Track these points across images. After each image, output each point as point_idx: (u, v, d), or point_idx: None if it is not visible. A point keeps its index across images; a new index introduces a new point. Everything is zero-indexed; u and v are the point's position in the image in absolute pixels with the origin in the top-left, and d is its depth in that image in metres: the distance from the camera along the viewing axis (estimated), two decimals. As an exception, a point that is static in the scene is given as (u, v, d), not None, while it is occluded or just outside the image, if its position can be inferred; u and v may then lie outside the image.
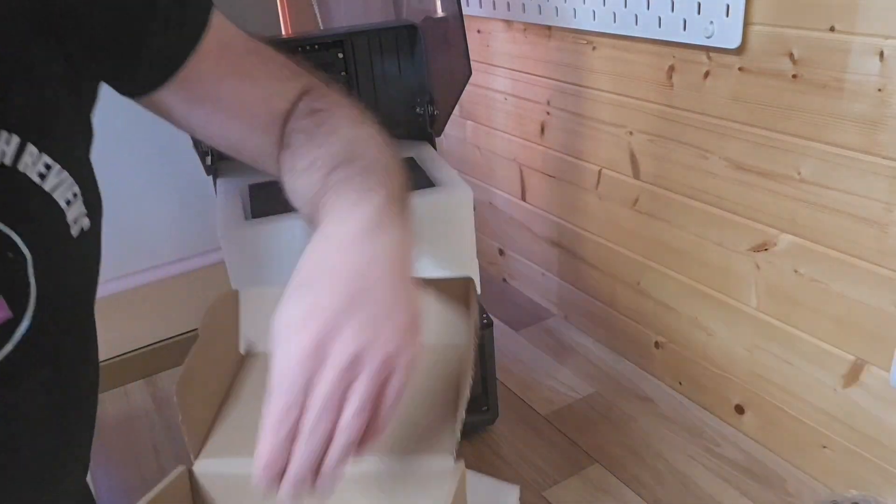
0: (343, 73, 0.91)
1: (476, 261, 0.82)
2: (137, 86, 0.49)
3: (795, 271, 0.78)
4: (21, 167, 0.40)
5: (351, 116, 0.51)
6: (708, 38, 0.78)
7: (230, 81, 0.52)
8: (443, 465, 0.48)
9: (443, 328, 0.55)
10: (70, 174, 0.42)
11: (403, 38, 0.93)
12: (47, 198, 0.41)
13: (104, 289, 1.15)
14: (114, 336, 1.14)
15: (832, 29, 0.67)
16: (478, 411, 0.91)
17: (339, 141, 0.49)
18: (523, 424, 0.95)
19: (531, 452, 0.90)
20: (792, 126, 0.74)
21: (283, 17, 1.08)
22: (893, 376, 0.71)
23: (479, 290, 0.84)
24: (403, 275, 0.39)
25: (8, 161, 0.39)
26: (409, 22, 0.94)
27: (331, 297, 0.36)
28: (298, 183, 0.48)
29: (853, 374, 0.76)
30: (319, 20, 1.08)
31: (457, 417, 0.50)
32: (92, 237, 0.46)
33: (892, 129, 0.65)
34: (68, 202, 0.42)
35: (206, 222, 1.20)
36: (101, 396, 1.15)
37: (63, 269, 0.44)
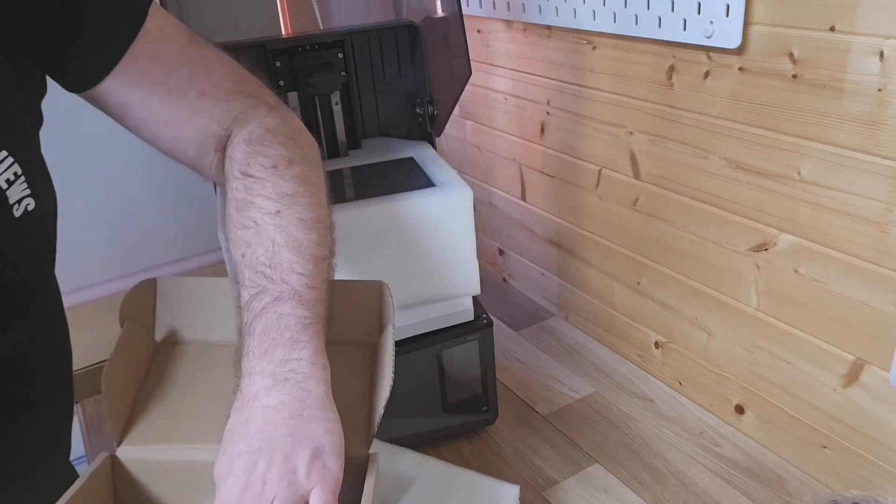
0: (343, 74, 0.91)
1: (476, 261, 0.82)
2: (74, 81, 0.50)
3: (795, 271, 0.78)
4: None
5: (279, 195, 0.50)
6: (708, 38, 0.78)
7: (159, 90, 0.52)
8: (357, 456, 0.48)
9: (352, 327, 0.56)
10: (10, 154, 0.43)
11: (404, 37, 0.93)
12: None
13: (104, 289, 1.16)
14: (114, 336, 1.13)
15: (832, 29, 0.67)
16: (478, 411, 0.91)
17: (259, 247, 0.48)
18: (523, 424, 0.95)
19: (531, 452, 0.90)
20: (792, 126, 0.74)
21: (282, 16, 1.08)
22: (894, 376, 0.71)
23: (479, 291, 0.85)
24: (305, 415, 0.43)
25: None
26: (409, 21, 0.94)
27: (244, 445, 0.43)
28: (232, 254, 0.50)
29: (853, 374, 0.76)
30: (319, 20, 1.08)
31: (373, 412, 0.50)
32: (39, 218, 0.46)
33: (893, 129, 0.65)
34: (8, 181, 0.42)
35: (206, 222, 1.20)
36: (100, 396, 1.15)
37: (2, 246, 0.44)
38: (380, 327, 0.57)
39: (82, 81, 0.50)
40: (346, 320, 0.56)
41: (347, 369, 0.53)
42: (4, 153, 0.42)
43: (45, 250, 0.50)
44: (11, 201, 0.43)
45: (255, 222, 0.49)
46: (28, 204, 0.44)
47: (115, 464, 0.49)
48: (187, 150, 0.54)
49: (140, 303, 0.58)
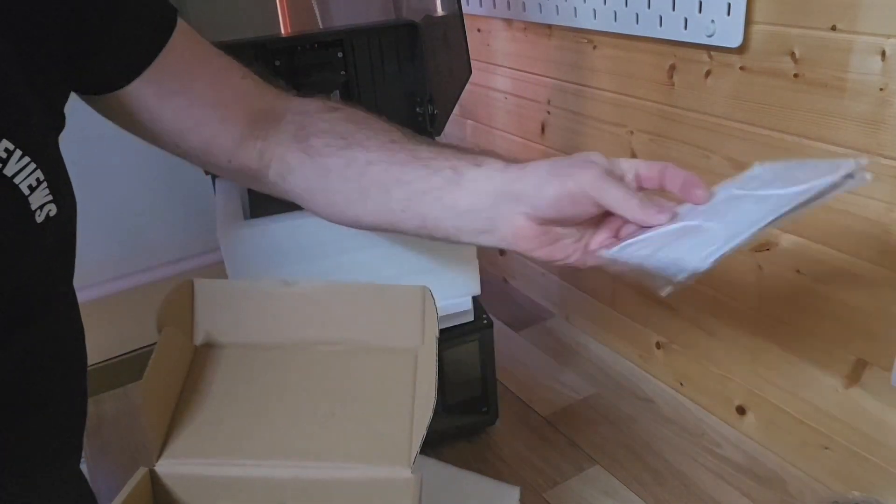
0: (343, 73, 0.90)
1: (476, 261, 0.82)
2: (106, 81, 0.50)
3: (797, 271, 0.78)
4: None
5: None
6: (709, 36, 0.77)
7: (205, 72, 0.53)
8: (399, 477, 0.47)
9: (393, 332, 0.56)
10: (33, 160, 0.42)
11: (403, 36, 0.93)
12: (7, 183, 0.41)
13: (104, 289, 1.16)
14: (114, 336, 1.13)
15: (834, 28, 0.67)
16: (478, 412, 0.91)
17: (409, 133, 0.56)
18: (523, 425, 0.95)
19: (531, 453, 0.89)
20: (793, 125, 0.74)
21: (282, 16, 1.08)
22: (895, 377, 0.71)
23: (479, 291, 0.84)
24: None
25: None
26: (409, 20, 0.93)
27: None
28: (374, 154, 0.54)
29: (854, 375, 0.75)
30: (319, 19, 1.08)
31: (412, 425, 0.50)
32: (60, 224, 0.46)
33: (894, 128, 0.65)
34: (31, 188, 0.42)
35: (206, 222, 1.20)
36: (101, 396, 1.15)
37: (23, 252, 0.44)
38: (422, 333, 0.55)
39: (118, 77, 0.50)
40: (387, 325, 0.55)
41: (388, 380, 0.52)
42: (27, 159, 0.42)
43: (66, 255, 0.50)
44: (33, 207, 0.43)
45: (385, 126, 0.57)
46: (50, 210, 0.44)
47: (154, 479, 0.48)
48: (233, 129, 0.55)
49: (178, 306, 0.57)
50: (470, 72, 0.85)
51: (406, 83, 0.95)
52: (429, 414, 0.47)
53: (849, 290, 0.73)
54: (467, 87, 0.89)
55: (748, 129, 0.78)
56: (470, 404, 0.90)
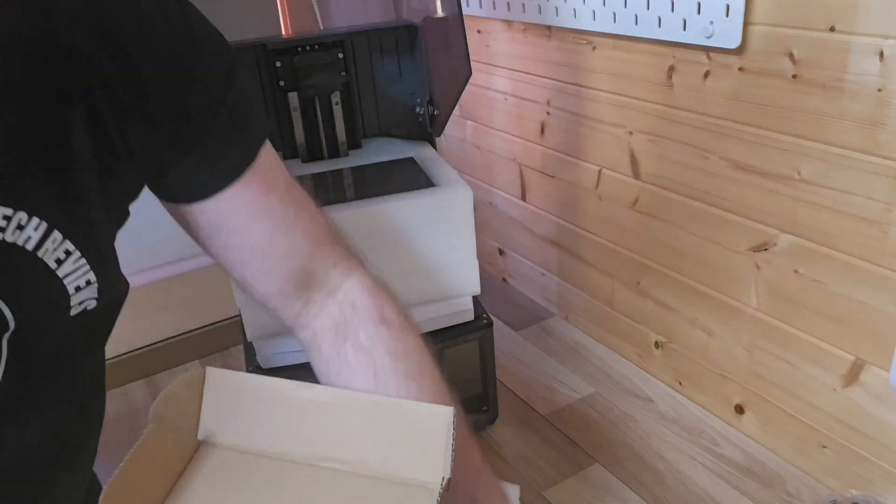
0: (343, 73, 0.91)
1: (476, 261, 0.82)
2: (177, 192, 0.48)
3: (795, 271, 0.78)
4: (41, 253, 0.39)
5: (420, 343, 0.53)
6: (708, 38, 0.78)
7: (265, 223, 0.50)
8: None
9: (411, 462, 0.50)
10: (88, 261, 0.42)
11: (403, 38, 0.93)
12: (57, 282, 0.40)
13: (104, 289, 1.15)
14: (114, 336, 1.13)
15: (832, 29, 0.67)
16: (478, 411, 0.91)
17: (433, 386, 0.51)
18: (523, 424, 0.95)
19: (531, 452, 0.90)
20: (792, 126, 0.74)
21: (283, 17, 1.08)
22: (893, 376, 0.71)
23: (479, 291, 0.85)
24: None
25: (31, 246, 0.39)
26: (409, 22, 0.94)
27: None
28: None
29: (853, 374, 0.76)
30: (319, 20, 1.08)
31: None
32: (95, 315, 0.45)
33: (893, 129, 0.65)
34: (78, 288, 0.41)
35: (206, 222, 1.20)
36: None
37: (49, 342, 0.43)
38: (443, 465, 0.48)
39: (184, 196, 0.48)
40: (405, 452, 0.49)
41: None
42: (83, 261, 0.41)
43: (96, 341, 0.50)
44: (72, 303, 0.42)
45: (419, 370, 0.51)
46: (88, 305, 0.43)
47: None
48: (274, 284, 0.53)
49: (180, 397, 0.53)
50: (470, 73, 0.86)
51: (406, 84, 0.95)
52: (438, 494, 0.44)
53: (847, 289, 0.74)
54: (467, 87, 0.89)
55: (747, 130, 0.79)
56: (470, 404, 0.90)
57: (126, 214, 0.47)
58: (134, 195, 0.47)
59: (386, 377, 0.51)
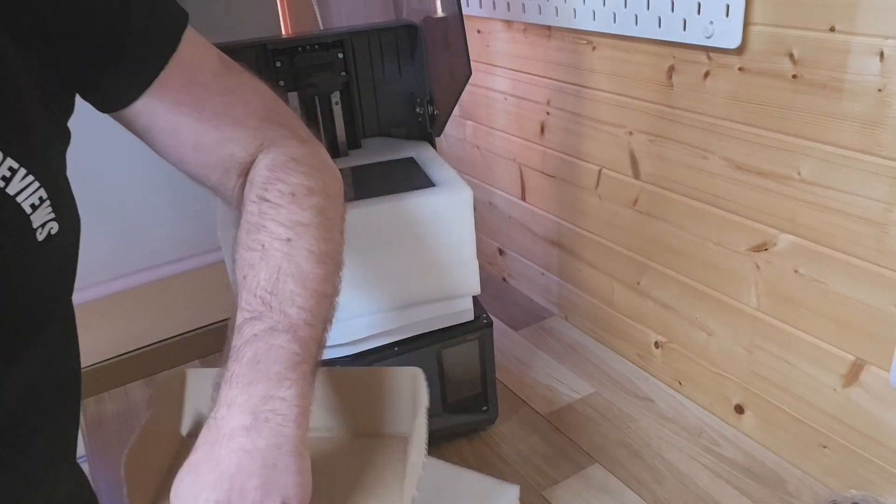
0: (343, 74, 0.91)
1: (476, 261, 0.82)
2: (104, 103, 0.50)
3: (795, 271, 0.78)
4: None
5: (289, 227, 0.50)
6: (708, 38, 0.78)
7: (189, 121, 0.52)
8: None
9: (387, 418, 0.55)
10: (36, 178, 0.42)
11: (403, 38, 0.93)
12: (10, 201, 0.41)
13: (104, 289, 1.16)
14: (114, 336, 1.14)
15: (832, 29, 0.67)
16: (478, 411, 0.91)
17: (260, 272, 0.48)
18: (523, 424, 0.95)
19: (531, 452, 0.90)
20: (792, 126, 0.74)
21: (283, 17, 1.08)
22: (893, 376, 0.71)
23: (479, 291, 0.85)
24: (279, 466, 0.43)
25: None
26: (409, 22, 0.94)
27: (211, 490, 0.42)
28: (234, 278, 0.49)
29: (853, 374, 0.76)
30: (319, 20, 1.08)
31: (404, 499, 0.48)
32: (61, 241, 0.46)
33: (892, 129, 0.65)
34: (33, 206, 0.42)
35: (206, 222, 1.20)
36: (100, 396, 1.15)
37: (23, 271, 0.44)
38: (413, 416, 0.55)
39: (112, 103, 0.50)
40: (381, 411, 0.55)
41: (382, 464, 0.52)
42: (31, 178, 0.42)
43: (66, 274, 0.50)
44: (35, 225, 0.42)
45: (263, 246, 0.48)
46: (52, 228, 0.44)
47: None
48: (211, 175, 0.54)
49: (168, 393, 0.56)
50: (470, 72, 0.86)
51: (406, 84, 0.95)
52: (417, 475, 0.47)
53: (847, 289, 0.74)
54: (467, 87, 0.89)
55: (747, 130, 0.79)
56: (470, 403, 0.90)
57: (68, 134, 0.49)
58: (71, 109, 0.48)
59: (237, 247, 0.51)
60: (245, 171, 0.54)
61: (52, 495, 0.52)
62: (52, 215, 0.44)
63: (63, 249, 0.47)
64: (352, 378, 0.55)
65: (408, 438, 0.54)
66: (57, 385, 0.51)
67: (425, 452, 0.49)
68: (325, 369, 0.53)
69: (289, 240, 0.49)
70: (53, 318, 0.49)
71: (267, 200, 0.50)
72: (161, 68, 0.49)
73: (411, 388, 0.55)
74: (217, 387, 0.45)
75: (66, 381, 0.53)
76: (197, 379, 0.57)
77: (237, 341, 0.45)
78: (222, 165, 0.54)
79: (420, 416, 0.51)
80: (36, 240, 0.43)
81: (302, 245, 0.49)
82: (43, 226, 0.43)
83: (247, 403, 0.43)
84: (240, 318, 0.46)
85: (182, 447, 0.55)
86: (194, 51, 0.52)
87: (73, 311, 0.53)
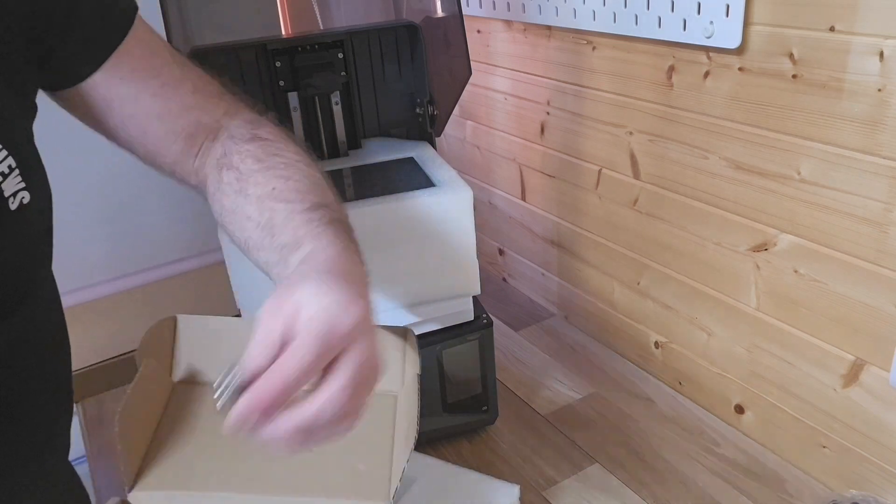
0: (343, 74, 0.91)
1: (476, 261, 0.82)
2: (63, 76, 0.51)
3: (795, 271, 0.78)
4: None
5: (299, 154, 0.54)
6: (708, 38, 0.78)
7: (152, 84, 0.54)
8: None
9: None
10: (4, 147, 0.43)
11: (403, 37, 0.93)
12: None
13: (104, 289, 1.16)
14: (114, 336, 1.13)
15: (832, 29, 0.67)
16: (478, 411, 0.91)
17: (303, 178, 0.51)
18: (523, 424, 0.95)
19: (531, 452, 0.90)
20: (792, 126, 0.74)
21: (283, 16, 1.08)
22: (893, 376, 0.71)
23: (479, 291, 0.85)
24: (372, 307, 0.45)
25: None
26: (409, 21, 0.94)
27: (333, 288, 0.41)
28: (250, 208, 0.50)
29: (853, 374, 0.76)
30: (319, 20, 1.08)
31: (392, 461, 0.49)
32: (34, 211, 0.46)
33: (893, 129, 0.65)
34: (3, 174, 0.43)
35: (206, 222, 1.20)
36: (100, 396, 1.15)
37: None
38: (402, 375, 0.55)
39: (72, 76, 0.50)
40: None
41: (367, 421, 0.53)
42: None
43: (41, 245, 0.50)
44: (6, 194, 0.43)
45: (286, 163, 0.51)
46: (23, 197, 0.44)
47: None
48: (174, 145, 0.55)
49: (159, 341, 0.57)
50: (470, 72, 0.86)
51: (406, 84, 0.95)
52: (409, 449, 0.47)
53: (847, 289, 0.74)
54: (467, 87, 0.89)
55: (747, 130, 0.79)
56: (470, 404, 0.90)
57: (34, 108, 0.50)
58: (35, 82, 0.49)
59: (248, 178, 0.53)
60: (211, 137, 0.56)
61: (41, 492, 0.52)
62: (23, 184, 0.44)
63: (37, 219, 0.48)
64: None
65: (396, 397, 0.54)
66: (41, 363, 0.51)
67: (417, 423, 0.49)
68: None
69: (307, 161, 0.53)
70: (34, 289, 0.50)
71: (262, 138, 0.53)
72: (120, 41, 0.51)
73: (401, 347, 0.55)
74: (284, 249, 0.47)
75: (51, 358, 0.53)
76: (188, 324, 0.57)
77: (313, 220, 0.48)
78: (187, 132, 0.55)
79: (409, 383, 0.52)
80: (8, 209, 0.43)
81: (317, 168, 0.53)
82: (14, 195, 0.44)
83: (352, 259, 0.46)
84: (300, 207, 0.48)
85: (174, 393, 0.55)
86: (148, 29, 0.54)
87: (55, 288, 0.54)
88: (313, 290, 0.40)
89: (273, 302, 0.40)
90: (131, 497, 0.48)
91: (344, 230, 0.49)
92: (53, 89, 0.51)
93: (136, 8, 0.53)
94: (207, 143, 0.55)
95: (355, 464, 0.50)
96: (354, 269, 0.45)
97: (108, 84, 0.51)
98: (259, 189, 0.50)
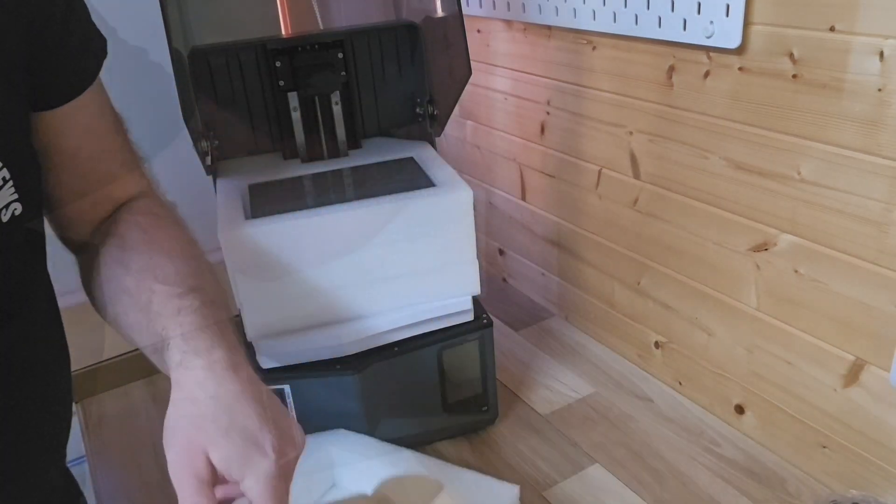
0: (343, 73, 0.91)
1: (476, 261, 0.83)
2: (52, 94, 0.51)
3: (795, 271, 0.78)
4: None
5: (185, 234, 0.58)
6: (708, 38, 0.78)
7: (92, 149, 0.55)
8: None
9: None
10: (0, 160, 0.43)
11: (403, 37, 0.93)
12: None
13: (104, 289, 1.15)
14: (114, 336, 1.13)
15: (832, 29, 0.67)
16: (478, 411, 0.91)
17: (184, 261, 0.54)
18: (523, 424, 0.95)
19: (531, 452, 0.90)
20: (792, 126, 0.74)
21: (282, 16, 1.08)
22: (893, 376, 0.71)
23: (479, 291, 0.85)
24: (263, 400, 0.47)
25: None
26: (409, 21, 0.94)
27: (211, 420, 0.46)
28: (128, 280, 0.52)
29: (853, 374, 0.76)
30: (319, 20, 1.08)
31: None
32: (26, 221, 0.46)
33: (893, 129, 0.65)
34: None
35: (206, 222, 1.20)
36: (100, 396, 1.15)
37: None
38: None
39: (51, 99, 0.51)
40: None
41: None
42: None
43: (34, 254, 0.50)
44: None
45: (162, 245, 0.55)
46: (15, 209, 0.44)
47: None
48: (83, 204, 0.56)
49: None
50: (470, 72, 0.86)
51: (406, 83, 0.95)
52: None
53: (847, 290, 0.74)
54: (467, 87, 0.89)
55: (747, 130, 0.79)
56: (470, 403, 0.90)
57: (30, 122, 0.50)
58: (29, 101, 0.49)
59: (132, 249, 0.54)
60: (109, 207, 0.57)
61: (39, 501, 0.52)
62: (16, 195, 0.44)
63: (28, 229, 0.48)
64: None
65: None
66: (39, 369, 0.51)
67: None
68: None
69: (191, 241, 0.58)
70: (30, 298, 0.50)
71: (158, 216, 0.58)
72: (94, 77, 0.52)
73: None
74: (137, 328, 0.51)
75: (49, 364, 0.53)
76: None
77: (181, 310, 0.50)
78: (100, 196, 0.57)
79: None
80: (1, 221, 0.43)
81: (200, 250, 0.57)
82: (6, 206, 0.44)
83: (221, 354, 0.48)
84: (167, 296, 0.50)
85: None
86: (102, 84, 0.55)
87: (52, 294, 0.54)
88: (213, 431, 0.45)
89: (176, 456, 0.47)
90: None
91: (212, 313, 0.51)
92: (41, 109, 0.51)
93: (104, 56, 0.53)
94: (109, 212, 0.57)
95: None
96: (227, 372, 0.48)
97: (65, 120, 0.51)
98: (139, 262, 0.52)
